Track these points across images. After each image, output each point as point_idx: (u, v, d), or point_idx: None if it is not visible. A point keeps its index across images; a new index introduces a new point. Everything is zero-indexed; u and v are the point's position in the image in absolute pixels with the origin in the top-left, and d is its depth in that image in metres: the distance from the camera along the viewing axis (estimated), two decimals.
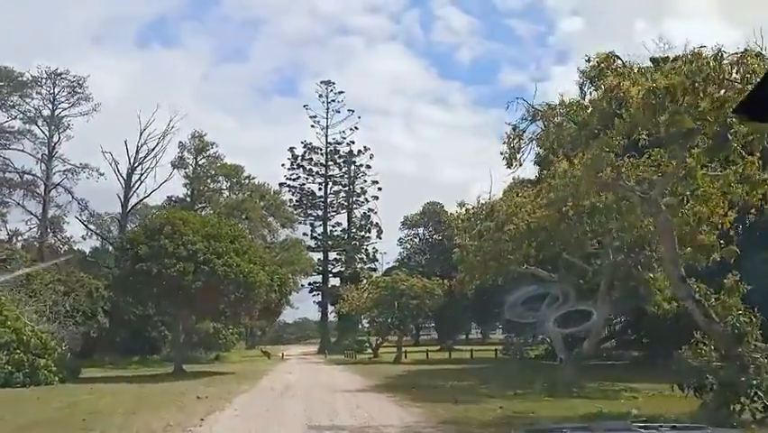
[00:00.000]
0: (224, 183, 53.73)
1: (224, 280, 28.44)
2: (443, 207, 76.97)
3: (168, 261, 28.15)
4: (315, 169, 76.55)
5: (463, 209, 23.73)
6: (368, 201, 76.35)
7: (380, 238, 76.22)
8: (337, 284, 74.78)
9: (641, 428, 1.46)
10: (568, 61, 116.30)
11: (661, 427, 1.49)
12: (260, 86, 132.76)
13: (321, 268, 74.80)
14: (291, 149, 76.85)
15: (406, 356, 43.00)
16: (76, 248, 55.03)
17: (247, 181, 54.81)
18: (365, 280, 47.75)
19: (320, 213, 76.49)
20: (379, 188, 76.10)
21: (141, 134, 50.48)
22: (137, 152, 51.19)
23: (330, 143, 76.21)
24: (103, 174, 50.53)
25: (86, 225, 53.74)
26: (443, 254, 68.77)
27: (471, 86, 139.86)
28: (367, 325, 49.73)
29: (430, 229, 76.33)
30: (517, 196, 22.04)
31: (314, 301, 77.59)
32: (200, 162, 54.31)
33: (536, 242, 21.14)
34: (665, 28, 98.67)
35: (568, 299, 20.44)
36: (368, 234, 76.64)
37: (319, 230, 75.93)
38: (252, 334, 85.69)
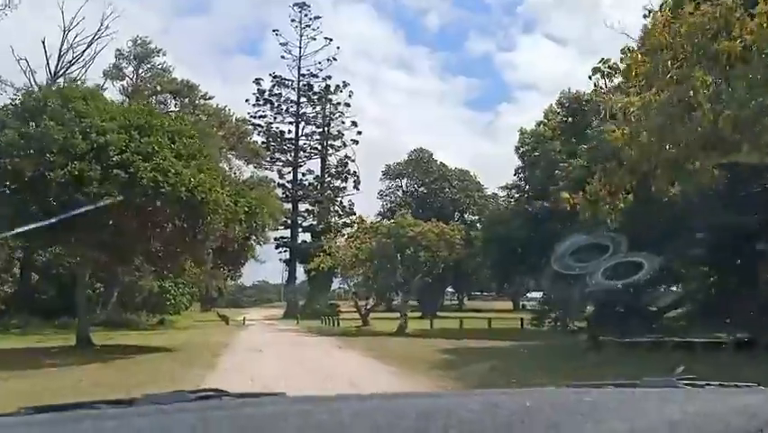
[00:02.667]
0: (173, 103, 40.45)
1: (154, 195, 16.17)
2: (431, 154, 65.67)
3: (54, 157, 15.69)
4: (284, 106, 63.64)
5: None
6: (345, 146, 64.07)
7: (358, 189, 64.26)
8: (308, 239, 62.78)
9: (687, 384, 1.19)
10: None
11: (708, 384, 1.22)
12: (222, 43, 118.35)
13: (290, 221, 62.45)
14: (257, 80, 63.61)
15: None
16: None
17: (202, 102, 41.69)
18: (356, 226, 35.85)
19: (290, 158, 63.83)
20: (359, 132, 63.92)
21: (64, 34, 36.68)
22: (60, 58, 37.37)
23: (303, 76, 63.29)
24: (13, 86, 36.38)
25: None
26: (435, 206, 57.75)
27: (438, 52, 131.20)
28: (353, 285, 37.96)
29: (416, 180, 64.76)
30: None
31: (280, 259, 65.40)
32: (142, 74, 40.89)
33: None
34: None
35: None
36: (344, 184, 64.55)
37: (288, 177, 63.43)
38: (208, 296, 73.12)
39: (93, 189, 15.55)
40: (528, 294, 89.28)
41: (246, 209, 18.94)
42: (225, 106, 43.50)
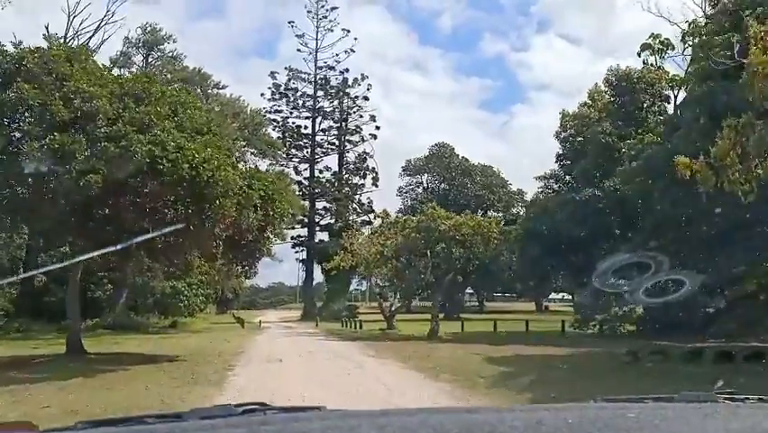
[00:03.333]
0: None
1: (151, 172, 13.18)
2: (453, 149, 62.40)
3: (29, 127, 12.75)
4: (301, 100, 60.72)
5: None
6: (363, 141, 60.97)
7: (377, 186, 61.07)
8: (325, 239, 59.77)
9: (727, 399, 1.21)
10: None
11: (747, 398, 1.25)
12: (237, 45, 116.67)
13: (307, 219, 59.50)
14: (273, 74, 60.79)
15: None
16: None
17: (215, 92, 38.85)
18: (380, 220, 32.67)
19: (306, 154, 60.90)
20: (377, 127, 60.82)
21: (69, 21, 34.08)
22: (64, 44, 34.71)
23: (320, 69, 60.35)
24: None
25: None
26: (458, 203, 54.36)
27: (451, 53, 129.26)
28: (377, 285, 34.81)
29: (437, 176, 61.52)
30: None
31: (297, 259, 62.48)
32: (151, 62, 38.15)
33: None
34: None
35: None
36: (362, 181, 61.41)
37: (305, 174, 60.49)
38: (224, 297, 70.64)
39: (76, 165, 12.57)
40: (552, 295, 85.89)
41: (261, 193, 15.87)
42: (239, 96, 40.66)
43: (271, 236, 17.84)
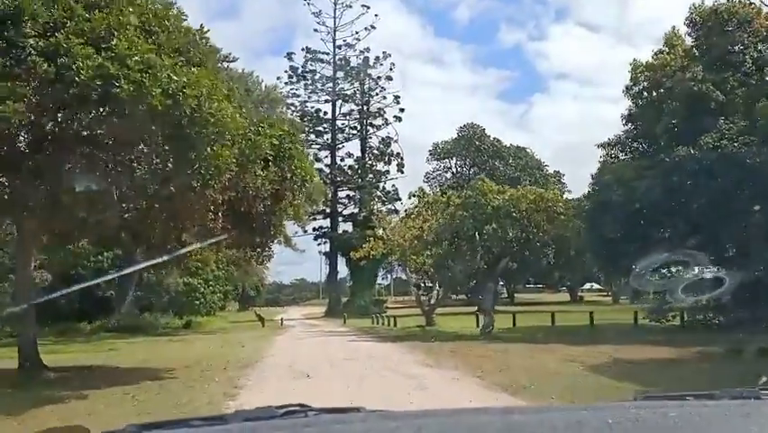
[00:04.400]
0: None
1: (107, 102, 8.50)
2: (483, 130, 57.24)
3: None
4: (319, 83, 56.00)
5: None
6: (387, 124, 56.04)
7: (402, 172, 56.12)
8: (349, 230, 55.11)
9: None
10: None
11: None
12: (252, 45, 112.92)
13: (329, 209, 54.90)
14: (289, 55, 56.16)
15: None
16: None
17: (225, 65, 34.09)
18: (415, 199, 27.79)
19: (327, 139, 56.21)
20: (402, 109, 55.85)
21: None
22: None
23: (339, 48, 55.53)
24: None
25: None
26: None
27: (468, 45, 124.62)
28: (414, 275, 29.94)
29: (467, 159, 56.41)
30: None
31: (320, 252, 57.87)
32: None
33: None
34: None
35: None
36: (386, 167, 56.50)
37: (326, 162, 55.79)
38: (245, 294, 66.51)
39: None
40: (586, 285, 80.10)
41: (274, 142, 11.12)
42: (252, 72, 35.97)
43: (289, 210, 13.06)
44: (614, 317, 29.78)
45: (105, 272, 35.91)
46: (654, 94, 22.66)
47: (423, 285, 29.62)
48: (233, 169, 9.80)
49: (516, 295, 64.14)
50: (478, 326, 27.70)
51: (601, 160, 26.48)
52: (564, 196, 20.99)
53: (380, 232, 29.56)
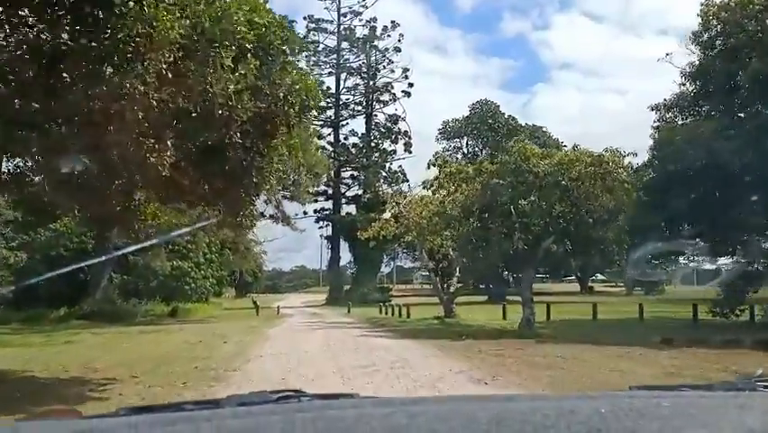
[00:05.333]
0: None
1: None
2: (498, 107, 52.71)
3: None
4: (322, 55, 51.38)
5: None
6: (395, 100, 51.49)
7: (410, 152, 51.70)
8: (353, 212, 50.77)
9: (766, 387, 1.14)
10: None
11: None
12: None
13: (331, 190, 50.53)
14: (290, 24, 51.40)
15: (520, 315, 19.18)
16: None
17: None
18: (434, 169, 23.34)
19: (330, 116, 51.71)
20: (410, 84, 51.29)
21: None
22: None
23: (344, 16, 50.83)
24: None
25: None
26: None
27: (472, 34, 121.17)
28: (431, 258, 25.53)
29: (479, 139, 51.87)
30: None
31: (321, 235, 53.52)
32: None
33: None
34: None
35: None
36: (393, 147, 52.02)
37: (329, 139, 51.34)
38: (242, 281, 62.08)
39: None
40: (597, 275, 75.72)
41: (256, 22, 6.74)
42: None
43: (282, 149, 8.63)
44: (655, 310, 25.61)
45: (89, 254, 31.82)
46: (732, 41, 18.20)
47: (440, 271, 25.34)
48: (178, 43, 5.37)
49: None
50: (504, 317, 23.52)
51: (656, 125, 22.14)
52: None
53: (392, 209, 25.20)
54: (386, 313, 28.91)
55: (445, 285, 24.81)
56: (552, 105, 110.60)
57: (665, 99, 21.78)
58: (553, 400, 0.98)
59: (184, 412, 1.02)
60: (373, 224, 26.33)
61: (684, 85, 21.00)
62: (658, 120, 21.90)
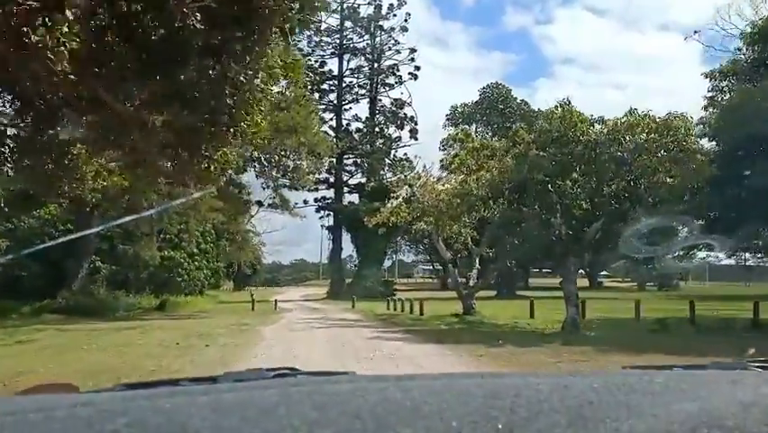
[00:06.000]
0: None
1: None
2: (509, 91, 49.50)
3: None
4: (324, 35, 48.02)
5: None
6: (401, 82, 48.23)
7: (416, 139, 48.49)
8: (355, 201, 47.65)
9: (759, 367, 1.18)
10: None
11: None
12: None
13: (333, 177, 47.34)
14: None
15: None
16: None
17: None
18: (456, 146, 20.18)
19: (332, 100, 48.47)
20: (417, 67, 48.03)
21: None
22: None
23: None
24: None
25: None
26: None
27: (474, 27, 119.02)
28: (444, 249, 22.31)
29: (490, 125, 48.63)
30: None
31: (322, 225, 50.32)
32: None
33: None
34: None
35: None
36: (398, 133, 48.78)
37: (331, 124, 48.08)
38: (241, 273, 58.87)
39: None
40: (605, 270, 72.70)
41: None
42: None
43: (272, 69, 5.49)
44: (702, 309, 22.53)
45: (74, 241, 28.90)
46: None
47: (456, 261, 22.17)
48: None
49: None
50: (532, 315, 20.44)
51: (710, 94, 19.03)
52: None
53: (404, 192, 22.05)
54: (394, 309, 25.81)
55: (464, 279, 21.67)
56: (553, 100, 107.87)
57: (721, 65, 18.73)
58: (547, 377, 0.91)
59: (180, 387, 1.03)
60: (382, 209, 23.18)
61: (740, 50, 18.07)
62: (712, 89, 18.84)
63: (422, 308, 22.36)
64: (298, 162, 25.24)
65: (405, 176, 22.59)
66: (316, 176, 31.17)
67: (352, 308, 27.61)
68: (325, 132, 46.13)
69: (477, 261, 21.65)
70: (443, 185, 19.83)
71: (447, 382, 0.86)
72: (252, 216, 42.93)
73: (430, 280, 74.51)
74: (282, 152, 24.25)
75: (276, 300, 30.09)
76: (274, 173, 24.56)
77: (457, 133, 19.34)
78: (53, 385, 1.32)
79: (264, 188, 25.60)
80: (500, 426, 0.67)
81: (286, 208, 26.07)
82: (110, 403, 0.81)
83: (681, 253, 18.39)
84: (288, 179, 25.79)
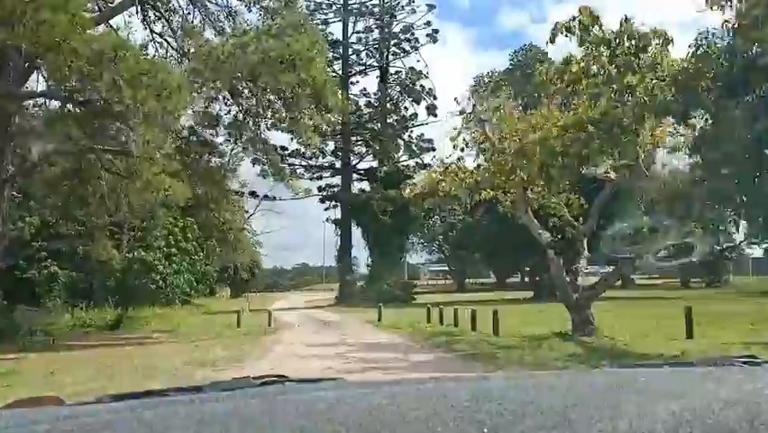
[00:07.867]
0: None
1: None
2: (546, 54, 41.09)
3: None
4: None
5: None
6: (416, 49, 39.87)
7: (435, 115, 40.00)
8: (366, 188, 39.22)
9: (745, 363, 1.19)
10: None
11: (766, 362, 1.21)
12: None
13: (339, 161, 38.94)
14: None
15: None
16: None
17: None
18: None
19: (337, 70, 40.08)
20: (435, 30, 39.73)
21: None
22: None
23: None
24: None
25: None
26: None
27: (470, 27, 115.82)
28: (538, 227, 13.85)
29: (520, 97, 40.30)
30: None
31: (327, 219, 41.70)
32: None
33: None
34: None
35: None
36: (413, 109, 40.38)
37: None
38: (238, 278, 50.10)
39: None
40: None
41: None
42: None
43: None
44: None
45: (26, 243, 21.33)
46: None
47: (555, 243, 13.76)
48: None
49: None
50: (690, 335, 12.09)
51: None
52: None
53: (462, 138, 13.81)
54: (440, 321, 17.34)
55: (570, 272, 13.16)
56: None
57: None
58: (532, 379, 0.94)
59: (164, 398, 1.00)
60: (422, 171, 14.76)
61: None
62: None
63: (496, 324, 13.86)
64: (298, 114, 16.77)
65: (467, 110, 14.23)
66: (322, 123, 22.14)
67: (378, 322, 19.14)
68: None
69: (585, 246, 13.21)
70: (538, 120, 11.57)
71: (434, 387, 0.83)
72: (247, 212, 34.85)
73: (443, 281, 66.54)
74: (276, 95, 15.90)
75: (272, 313, 21.41)
76: (262, 126, 16.12)
77: (574, 18, 10.84)
78: (38, 398, 1.25)
79: (247, 149, 17.11)
80: (486, 430, 0.65)
81: (276, 172, 17.70)
82: (93, 416, 0.77)
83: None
84: (280, 130, 17.40)
